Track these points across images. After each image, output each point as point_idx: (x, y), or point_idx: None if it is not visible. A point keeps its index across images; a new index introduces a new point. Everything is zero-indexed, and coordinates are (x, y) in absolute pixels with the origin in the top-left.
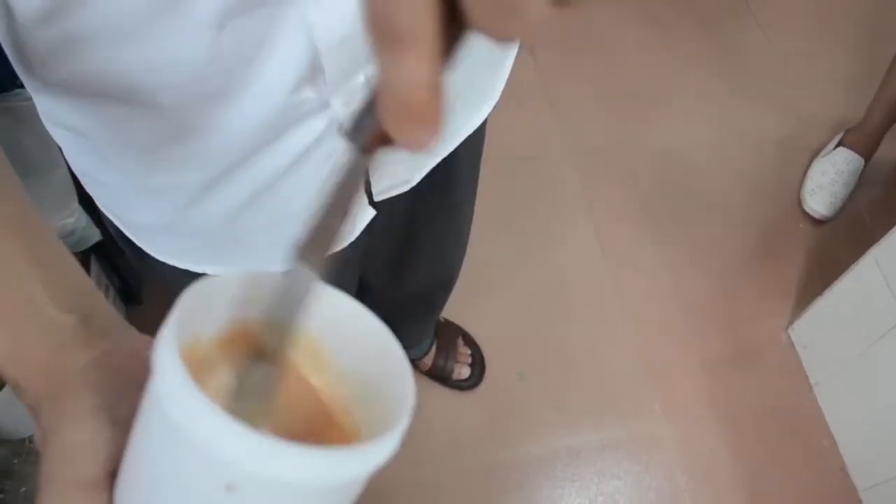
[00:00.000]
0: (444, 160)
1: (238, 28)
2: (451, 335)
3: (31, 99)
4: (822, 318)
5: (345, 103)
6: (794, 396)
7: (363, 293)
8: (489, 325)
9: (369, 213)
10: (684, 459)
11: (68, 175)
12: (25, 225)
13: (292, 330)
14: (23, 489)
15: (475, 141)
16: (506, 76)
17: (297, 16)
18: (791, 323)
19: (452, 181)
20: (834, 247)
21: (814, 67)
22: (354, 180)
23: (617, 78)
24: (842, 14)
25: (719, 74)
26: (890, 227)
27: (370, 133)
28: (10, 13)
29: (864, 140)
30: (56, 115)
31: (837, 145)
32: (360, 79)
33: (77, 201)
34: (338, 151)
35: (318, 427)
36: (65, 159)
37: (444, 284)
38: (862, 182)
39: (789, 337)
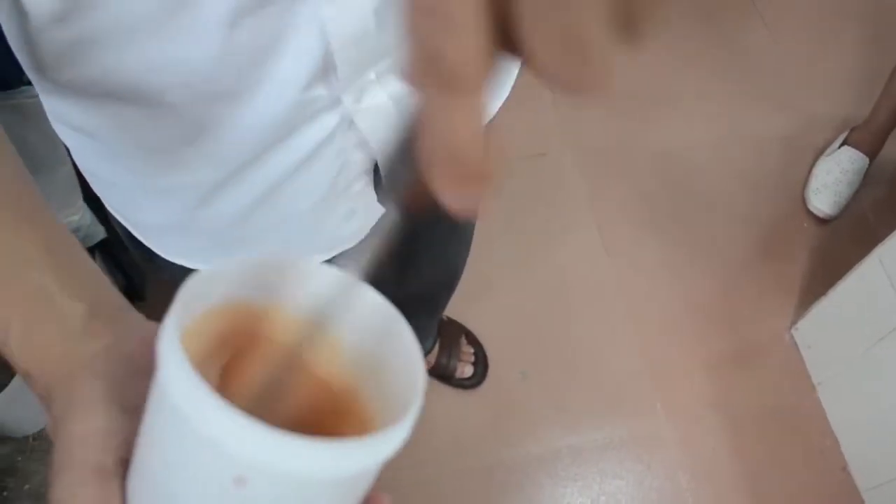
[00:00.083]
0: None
1: (250, 26)
2: (454, 334)
3: (36, 96)
4: (826, 318)
5: (356, 100)
6: (797, 396)
7: None
8: (492, 324)
9: (377, 209)
10: (686, 459)
11: (73, 172)
12: (36, 214)
13: (319, 328)
14: (27, 486)
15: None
16: (514, 76)
17: (309, 13)
18: (794, 323)
19: None
20: (838, 246)
21: (819, 66)
22: (393, 241)
23: (620, 77)
24: (847, 13)
25: (723, 73)
26: (894, 227)
27: (408, 188)
28: (22, 15)
29: (869, 139)
30: (65, 116)
31: (842, 144)
32: (372, 75)
33: (82, 199)
34: (348, 149)
35: (326, 416)
36: (71, 158)
37: (448, 283)
38: (866, 181)
39: (792, 337)
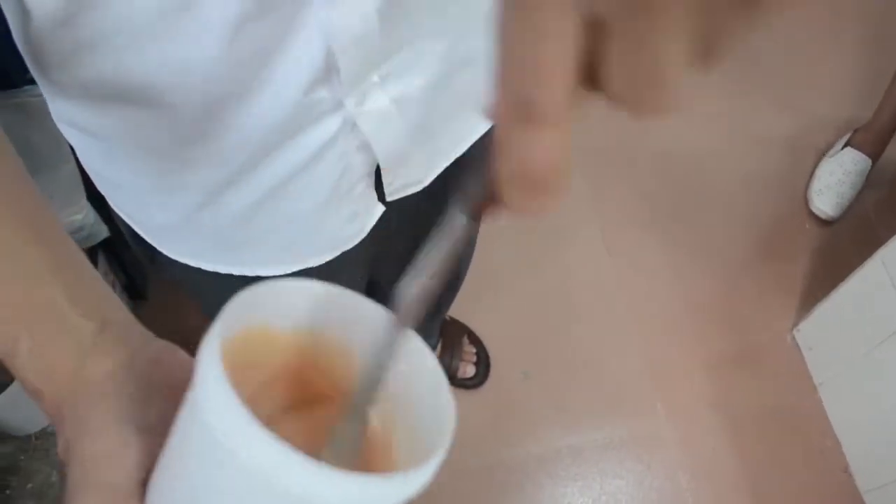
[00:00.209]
0: (457, 159)
1: (254, 29)
2: (456, 334)
3: (40, 95)
4: (828, 320)
5: (358, 103)
6: (798, 397)
7: (372, 292)
8: (494, 324)
9: (378, 210)
10: (687, 459)
11: (77, 171)
12: (43, 228)
13: (322, 340)
14: (29, 485)
15: (487, 140)
16: None
17: (312, 16)
18: (796, 324)
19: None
20: (840, 248)
21: (822, 67)
22: (458, 246)
23: None
24: (850, 14)
25: (726, 73)
26: None
27: (479, 199)
28: (26, 16)
29: (871, 140)
30: (70, 117)
31: (845, 145)
32: (374, 78)
33: (85, 197)
34: (350, 152)
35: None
36: (75, 157)
37: (452, 284)
38: (869, 183)
39: (794, 338)
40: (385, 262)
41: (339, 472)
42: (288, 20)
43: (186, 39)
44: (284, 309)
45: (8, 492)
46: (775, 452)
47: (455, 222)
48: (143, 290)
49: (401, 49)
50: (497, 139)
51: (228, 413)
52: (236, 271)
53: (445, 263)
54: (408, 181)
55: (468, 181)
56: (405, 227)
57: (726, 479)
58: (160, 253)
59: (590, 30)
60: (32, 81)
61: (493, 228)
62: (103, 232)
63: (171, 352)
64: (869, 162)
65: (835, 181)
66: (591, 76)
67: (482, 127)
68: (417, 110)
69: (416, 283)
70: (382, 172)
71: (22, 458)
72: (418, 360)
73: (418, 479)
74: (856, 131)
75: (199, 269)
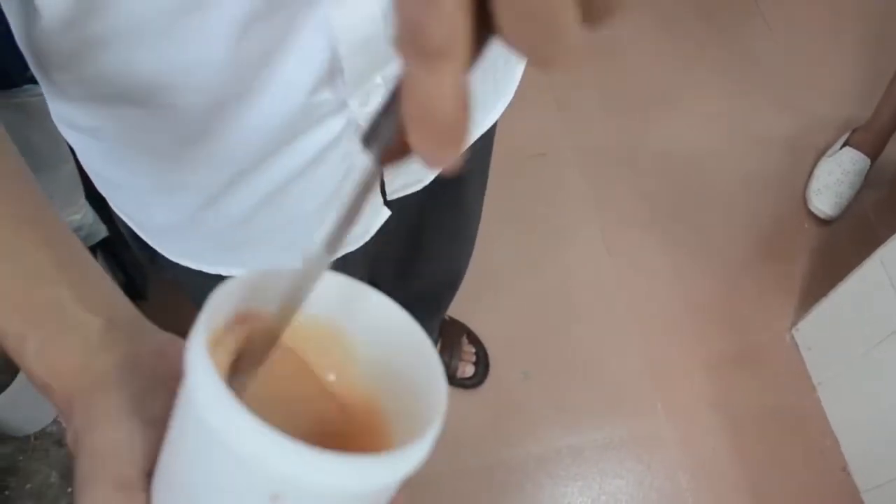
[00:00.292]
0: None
1: (260, 31)
2: (455, 333)
3: (40, 94)
4: (827, 319)
5: (362, 104)
6: (797, 397)
7: None
8: (494, 324)
9: (384, 214)
10: (686, 459)
11: (76, 171)
12: (47, 226)
13: (293, 308)
14: (28, 486)
15: (487, 140)
16: (519, 76)
17: (318, 17)
18: (795, 324)
19: (463, 180)
20: (839, 247)
21: (821, 67)
22: (367, 188)
23: (623, 77)
24: (850, 13)
25: (725, 73)
26: (895, 228)
27: (388, 142)
28: (30, 16)
29: (870, 140)
30: (71, 118)
31: (844, 145)
32: (378, 80)
33: (84, 197)
34: (354, 153)
35: (338, 426)
36: (74, 157)
37: (451, 283)
38: (868, 182)
39: (793, 338)
40: (384, 263)
41: (332, 455)
42: (293, 21)
43: (194, 39)
44: (270, 295)
45: (7, 492)
46: (774, 452)
47: (365, 168)
48: (143, 290)
49: None
50: (402, 79)
51: (217, 402)
52: (237, 273)
53: (354, 206)
54: (408, 181)
55: (377, 123)
56: (403, 228)
57: (726, 479)
58: (160, 254)
59: None
60: (32, 81)
61: (492, 228)
62: (102, 232)
63: (176, 344)
64: (868, 161)
65: (833, 181)
66: (483, 18)
67: (484, 126)
68: None
69: (331, 230)
70: (384, 173)
71: (21, 458)
72: (407, 336)
73: (413, 457)
74: (855, 131)
75: (199, 271)
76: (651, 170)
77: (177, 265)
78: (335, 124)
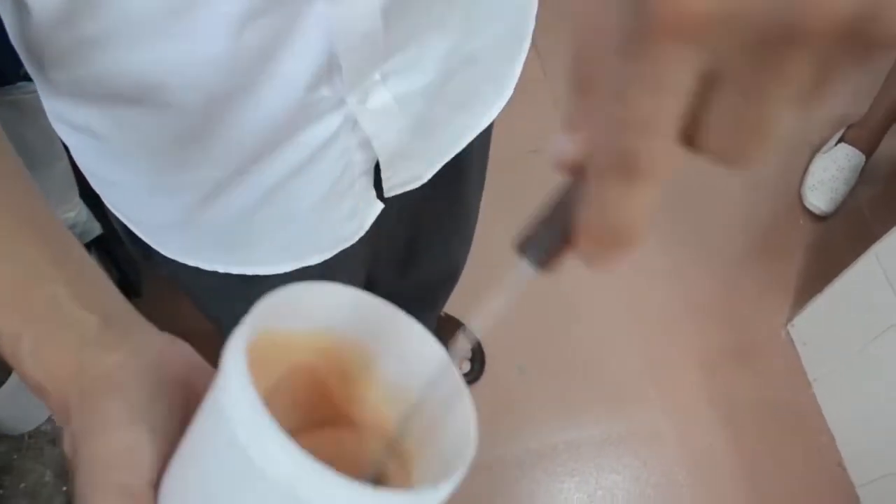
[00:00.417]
0: (455, 156)
1: (257, 27)
2: (451, 329)
3: (34, 91)
4: (822, 315)
5: (360, 101)
6: (793, 393)
7: (369, 288)
8: None
9: (377, 207)
10: (683, 454)
11: (70, 168)
12: (43, 223)
13: (338, 342)
14: (22, 485)
15: (485, 136)
16: (518, 73)
17: (315, 14)
18: (790, 319)
19: (462, 176)
20: (834, 243)
21: None
22: (517, 293)
23: None
24: None
25: None
26: (890, 224)
27: (549, 249)
28: (24, 13)
29: (865, 136)
30: (66, 116)
31: (839, 141)
32: (376, 76)
33: (78, 195)
34: (351, 150)
35: (350, 447)
36: (68, 154)
37: (450, 279)
38: (863, 178)
39: (788, 333)
40: (382, 262)
41: (369, 489)
42: (292, 17)
43: (191, 37)
44: (307, 313)
45: (1, 491)
46: (770, 448)
47: (522, 272)
48: (138, 288)
49: (404, 47)
50: (585, 190)
51: (256, 426)
52: (235, 270)
53: (507, 311)
54: (407, 178)
55: (539, 230)
56: (402, 225)
57: (722, 474)
58: (156, 252)
59: (699, 83)
60: (26, 78)
61: (489, 224)
62: (96, 229)
63: (175, 345)
64: (862, 158)
65: (828, 177)
66: (687, 131)
67: (482, 123)
68: (419, 108)
69: (476, 329)
70: (382, 169)
71: (15, 457)
72: (439, 372)
73: (442, 492)
74: (849, 127)
75: (196, 269)
76: None
77: (173, 262)
78: (333, 121)
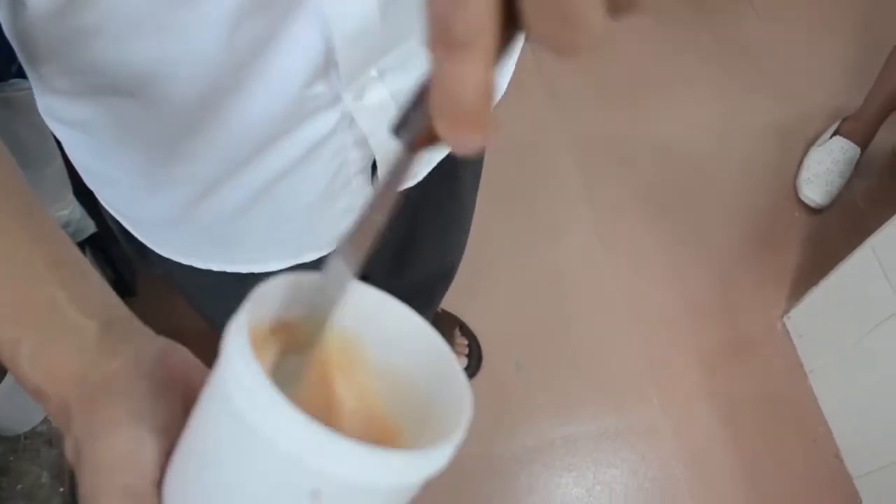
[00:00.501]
0: (450, 153)
1: (253, 23)
2: (448, 325)
3: (27, 89)
4: (818, 308)
5: (356, 97)
6: (790, 385)
7: None
8: (486, 316)
9: None
10: (681, 448)
11: (63, 166)
12: (39, 226)
13: (326, 322)
14: (19, 486)
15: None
16: (512, 67)
17: (312, 10)
18: (787, 312)
19: (458, 172)
20: (829, 236)
21: (811, 56)
22: (399, 177)
23: (613, 66)
24: (840, 2)
25: (716, 62)
26: (885, 216)
27: (418, 132)
28: (16, 7)
29: (860, 129)
30: (60, 112)
31: (834, 134)
32: (373, 73)
33: (72, 192)
34: (347, 147)
35: (353, 432)
36: (62, 151)
37: (446, 275)
38: (858, 171)
39: (785, 326)
40: (378, 259)
41: (379, 450)
42: (287, 14)
43: (184, 32)
44: (300, 300)
45: None
46: (768, 440)
47: (396, 156)
48: (132, 287)
49: (400, 43)
50: (430, 71)
51: (260, 394)
52: (230, 268)
53: (385, 195)
54: None
55: (408, 113)
56: (398, 222)
57: (720, 468)
58: (150, 249)
59: None
60: (18, 74)
61: (485, 220)
62: (90, 227)
63: (174, 349)
64: (857, 150)
65: (823, 170)
66: (510, 14)
67: None
68: None
69: (360, 219)
70: (378, 166)
71: (11, 458)
72: (426, 343)
73: (450, 450)
74: (844, 120)
75: (190, 267)
76: (642, 159)
77: (168, 260)
78: (329, 118)
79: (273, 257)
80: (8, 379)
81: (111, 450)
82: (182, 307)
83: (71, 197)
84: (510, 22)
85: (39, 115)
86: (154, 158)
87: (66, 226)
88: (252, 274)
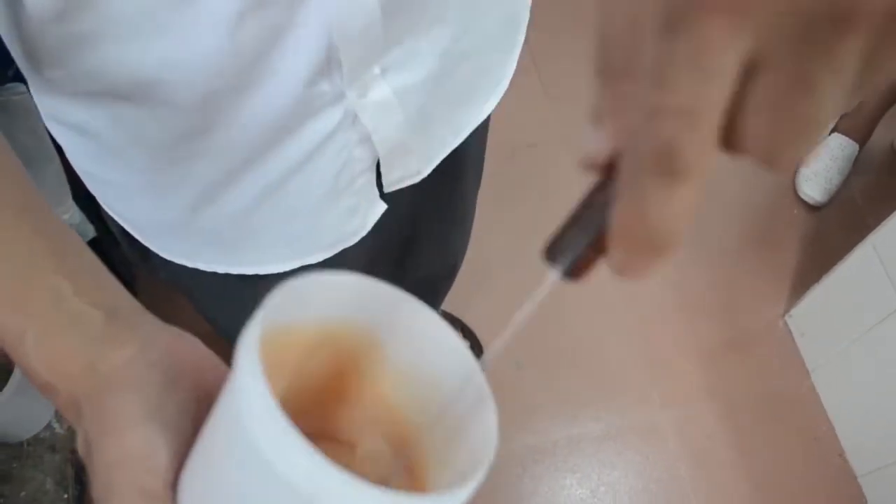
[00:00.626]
0: (453, 151)
1: (255, 22)
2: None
3: (23, 93)
4: (819, 305)
5: (359, 95)
6: (792, 383)
7: None
8: (487, 316)
9: (380, 208)
10: (684, 448)
11: (62, 170)
12: (42, 218)
13: (345, 326)
14: (22, 493)
15: (482, 131)
16: (514, 65)
17: (314, 8)
18: (788, 310)
19: (460, 171)
20: (828, 233)
21: None
22: (540, 302)
23: None
24: None
25: None
26: (884, 213)
27: (579, 256)
28: (17, 10)
29: (858, 126)
30: (61, 114)
31: (832, 131)
32: (376, 70)
33: (71, 197)
34: (351, 145)
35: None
36: (60, 156)
37: (448, 275)
38: (856, 168)
39: (786, 324)
40: (381, 258)
41: (390, 492)
42: (289, 12)
43: (186, 33)
44: (317, 304)
45: (1, 500)
46: (772, 439)
47: (551, 281)
48: (133, 290)
49: (403, 41)
50: (618, 191)
51: (275, 433)
52: (234, 270)
53: (531, 319)
54: (405, 173)
55: (568, 235)
56: (400, 221)
57: (724, 467)
58: (153, 253)
59: (742, 70)
60: (15, 79)
61: (484, 219)
62: (90, 232)
63: (182, 338)
64: (856, 147)
65: (822, 167)
66: (725, 128)
67: (480, 116)
68: (418, 101)
69: (501, 340)
70: (381, 164)
71: (15, 465)
72: (447, 348)
73: (466, 491)
74: (843, 117)
75: (194, 269)
76: None
77: (171, 264)
78: (333, 116)
79: (278, 258)
80: (10, 386)
81: (123, 448)
82: (184, 311)
83: (70, 201)
84: (723, 141)
85: (36, 120)
86: (157, 161)
87: None
88: (256, 276)
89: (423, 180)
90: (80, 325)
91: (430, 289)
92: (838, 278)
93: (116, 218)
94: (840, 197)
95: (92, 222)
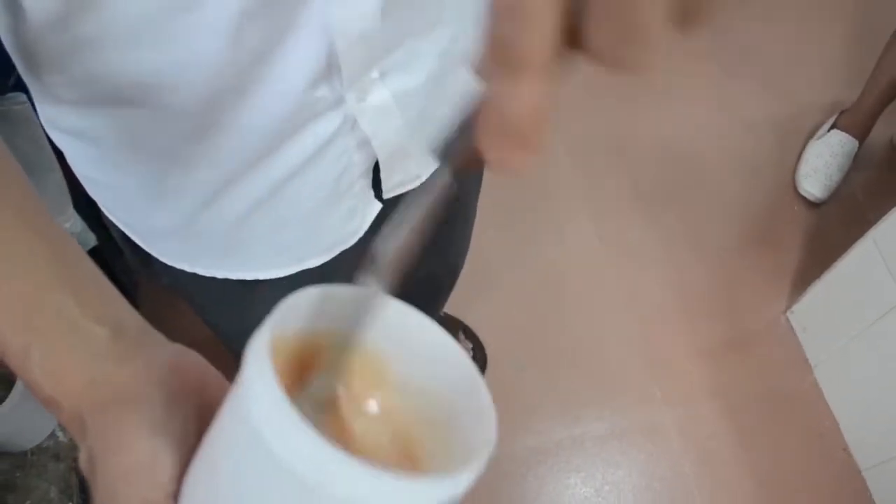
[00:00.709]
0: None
1: (254, 28)
2: (451, 329)
3: (24, 102)
4: (821, 301)
5: (359, 99)
6: (795, 380)
7: None
8: (489, 318)
9: (375, 207)
10: (687, 446)
11: (63, 179)
12: (44, 229)
13: (352, 343)
14: (27, 502)
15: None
16: None
17: (314, 13)
18: (790, 307)
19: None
20: (829, 229)
21: (808, 50)
22: (434, 197)
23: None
24: None
25: (713, 57)
26: (885, 209)
27: (461, 153)
28: (18, 16)
29: (858, 122)
30: (62, 121)
31: (832, 128)
32: (375, 74)
33: (72, 206)
34: (350, 150)
35: (366, 445)
36: (61, 164)
37: (449, 278)
38: (856, 164)
39: (788, 321)
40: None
41: (400, 477)
42: (289, 17)
43: (186, 39)
44: (324, 314)
45: None
46: (775, 435)
47: (436, 177)
48: (134, 299)
49: (401, 45)
50: (481, 90)
51: (283, 424)
52: (234, 275)
53: (425, 218)
54: (405, 177)
55: (451, 136)
56: None
57: (728, 464)
58: (155, 259)
59: None
60: (15, 88)
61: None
62: (91, 240)
63: (187, 355)
64: (856, 143)
65: (822, 163)
66: (570, 35)
67: None
68: (417, 105)
69: (395, 238)
70: (381, 169)
71: (18, 474)
72: (451, 360)
73: (466, 479)
74: (842, 113)
75: (195, 275)
76: (640, 156)
77: (172, 269)
78: (332, 120)
79: (278, 263)
80: (13, 395)
81: (126, 462)
82: (185, 319)
83: (71, 210)
84: (568, 41)
85: (37, 129)
86: (159, 166)
87: None
88: (257, 280)
89: (422, 186)
90: (85, 343)
91: (432, 293)
92: (839, 274)
93: (117, 223)
94: (840, 193)
95: (93, 231)
